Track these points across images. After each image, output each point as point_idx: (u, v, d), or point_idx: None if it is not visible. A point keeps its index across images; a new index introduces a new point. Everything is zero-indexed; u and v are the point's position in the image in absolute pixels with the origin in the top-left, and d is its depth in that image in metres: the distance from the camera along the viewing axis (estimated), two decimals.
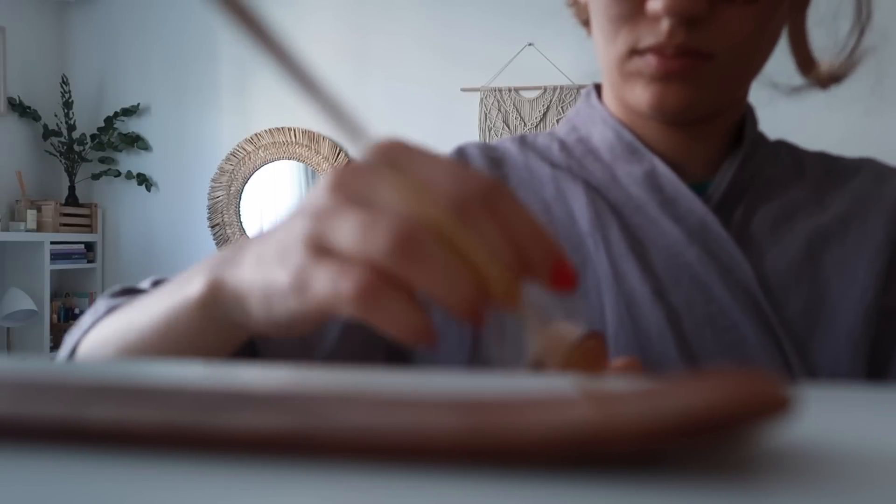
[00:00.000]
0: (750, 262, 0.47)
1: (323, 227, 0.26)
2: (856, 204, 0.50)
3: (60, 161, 3.49)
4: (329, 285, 0.24)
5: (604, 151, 0.53)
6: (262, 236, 0.32)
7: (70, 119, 3.46)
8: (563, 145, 0.55)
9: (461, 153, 0.56)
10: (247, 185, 3.50)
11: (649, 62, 0.45)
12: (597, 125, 0.54)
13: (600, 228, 0.49)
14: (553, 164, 0.54)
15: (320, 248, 0.26)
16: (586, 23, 0.57)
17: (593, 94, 0.56)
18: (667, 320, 0.45)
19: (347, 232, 0.24)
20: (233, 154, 3.48)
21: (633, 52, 0.46)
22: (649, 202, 0.49)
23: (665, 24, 0.44)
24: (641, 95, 0.47)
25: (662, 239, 0.48)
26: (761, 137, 0.54)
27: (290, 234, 0.28)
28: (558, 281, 0.23)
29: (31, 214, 3.22)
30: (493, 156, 0.55)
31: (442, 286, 0.22)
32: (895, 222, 0.49)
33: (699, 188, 0.50)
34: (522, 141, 0.57)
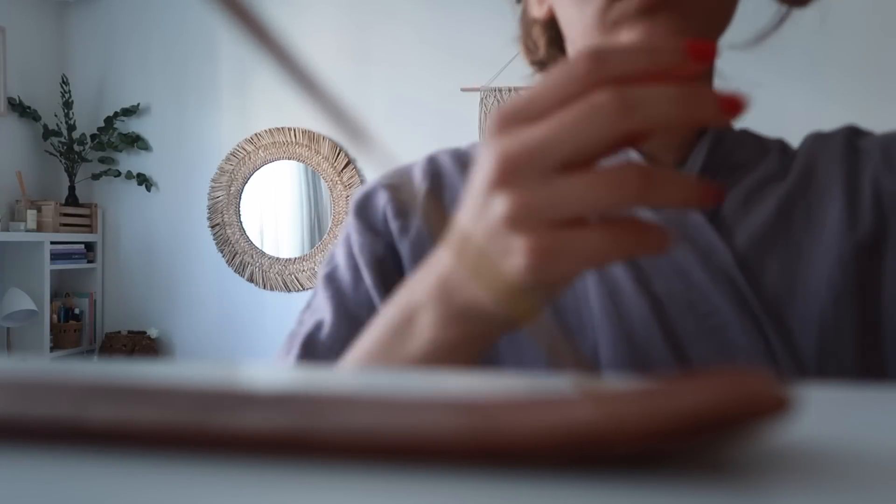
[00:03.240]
0: (727, 242, 0.48)
1: (526, 204, 0.27)
2: (808, 163, 0.53)
3: (60, 161, 3.49)
4: (588, 246, 0.27)
5: None
6: (451, 243, 0.32)
7: (70, 119, 3.46)
8: None
9: (432, 162, 0.57)
10: (247, 185, 3.50)
11: (632, 0, 0.45)
12: None
13: None
14: None
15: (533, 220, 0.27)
16: (541, 64, 0.59)
17: None
18: (650, 308, 0.46)
19: (553, 198, 0.27)
20: (233, 154, 3.48)
21: None
22: None
23: None
24: (629, 37, 0.47)
25: None
26: (728, 126, 0.56)
27: (491, 218, 0.29)
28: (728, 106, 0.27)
29: (31, 214, 3.22)
30: (464, 160, 0.57)
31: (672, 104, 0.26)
32: (844, 163, 0.51)
33: None
34: None
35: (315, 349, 0.51)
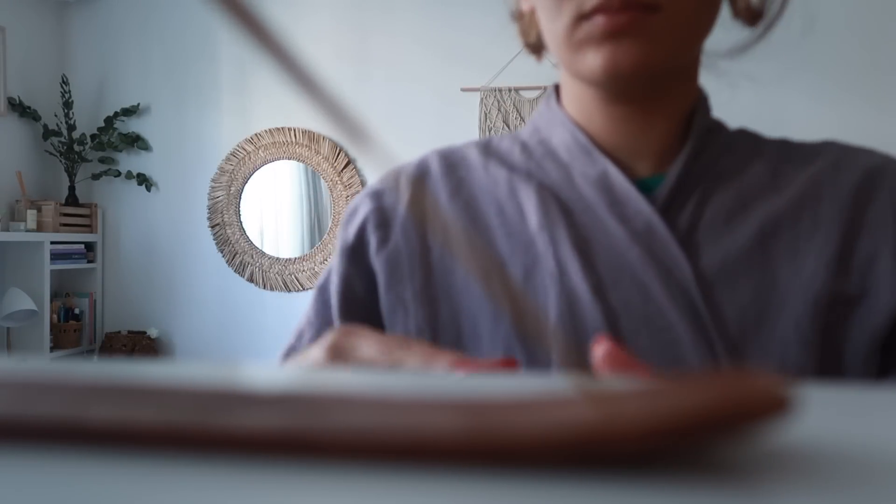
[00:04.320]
0: (695, 261, 0.47)
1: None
2: (811, 189, 0.50)
3: (60, 161, 3.49)
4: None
5: (562, 153, 0.54)
6: None
7: (70, 119, 3.46)
8: (525, 147, 0.56)
9: (422, 163, 0.58)
10: (247, 185, 3.50)
11: (597, 23, 0.45)
12: (556, 127, 0.55)
13: (548, 227, 0.50)
14: (511, 168, 0.55)
15: None
16: (533, 47, 0.58)
17: (553, 97, 0.57)
18: (605, 319, 0.46)
19: None
20: (233, 154, 3.48)
21: (580, 18, 0.46)
22: (599, 203, 0.50)
23: None
24: (594, 60, 0.46)
25: (607, 239, 0.49)
26: (719, 126, 0.54)
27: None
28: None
29: (31, 214, 3.22)
30: (451, 160, 0.57)
31: None
32: (847, 210, 0.49)
33: (654, 182, 0.51)
34: (486, 146, 0.58)
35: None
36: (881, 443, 0.17)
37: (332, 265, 0.57)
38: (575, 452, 0.15)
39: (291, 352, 0.56)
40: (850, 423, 0.20)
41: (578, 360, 0.45)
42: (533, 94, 3.13)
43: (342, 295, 0.54)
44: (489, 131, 3.15)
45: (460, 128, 3.19)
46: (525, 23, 0.59)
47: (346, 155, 3.39)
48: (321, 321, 0.55)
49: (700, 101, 0.53)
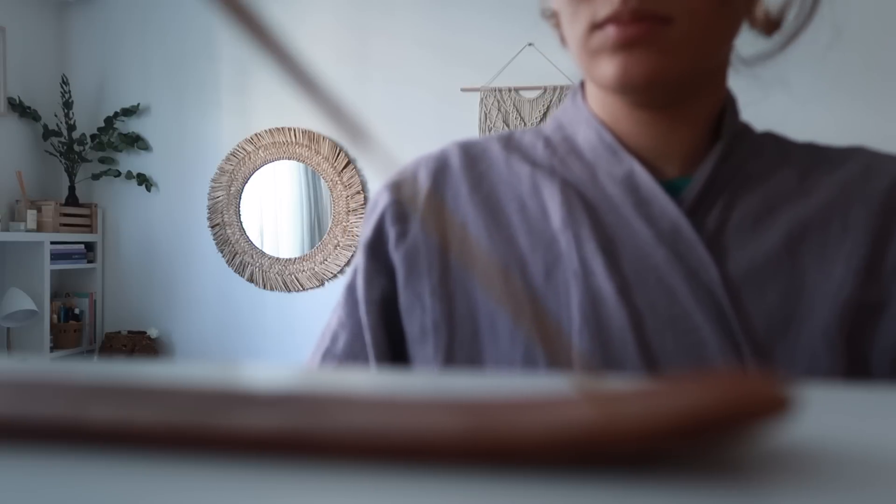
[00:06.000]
0: (722, 263, 0.47)
1: None
2: (840, 195, 0.50)
3: (60, 161, 3.49)
4: None
5: (587, 151, 0.53)
6: None
7: (70, 119, 3.46)
8: (549, 143, 0.55)
9: (442, 155, 0.57)
10: (247, 185, 3.50)
11: (609, 33, 0.46)
12: (581, 125, 0.54)
13: (572, 225, 0.49)
14: (534, 164, 0.54)
15: None
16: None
17: (579, 94, 0.56)
18: (629, 320, 0.46)
19: None
20: (233, 154, 3.48)
21: (594, 27, 0.46)
22: (625, 202, 0.50)
23: None
24: (607, 69, 0.47)
25: (632, 239, 0.48)
26: (746, 130, 0.54)
27: None
28: None
29: (31, 214, 3.22)
30: (472, 153, 0.56)
31: None
32: (877, 217, 0.49)
33: (681, 184, 0.50)
34: (508, 140, 0.57)
35: (331, 362, 0.55)
36: (881, 443, 0.17)
37: (356, 262, 0.56)
38: (575, 452, 0.15)
39: (327, 355, 0.55)
40: (850, 423, 0.20)
41: (601, 362, 0.45)
42: (533, 94, 3.13)
43: (367, 294, 0.54)
44: (489, 131, 3.15)
45: (460, 128, 3.18)
46: (557, 21, 0.58)
47: (346, 155, 3.39)
48: (353, 322, 0.54)
49: (728, 104, 0.53)
